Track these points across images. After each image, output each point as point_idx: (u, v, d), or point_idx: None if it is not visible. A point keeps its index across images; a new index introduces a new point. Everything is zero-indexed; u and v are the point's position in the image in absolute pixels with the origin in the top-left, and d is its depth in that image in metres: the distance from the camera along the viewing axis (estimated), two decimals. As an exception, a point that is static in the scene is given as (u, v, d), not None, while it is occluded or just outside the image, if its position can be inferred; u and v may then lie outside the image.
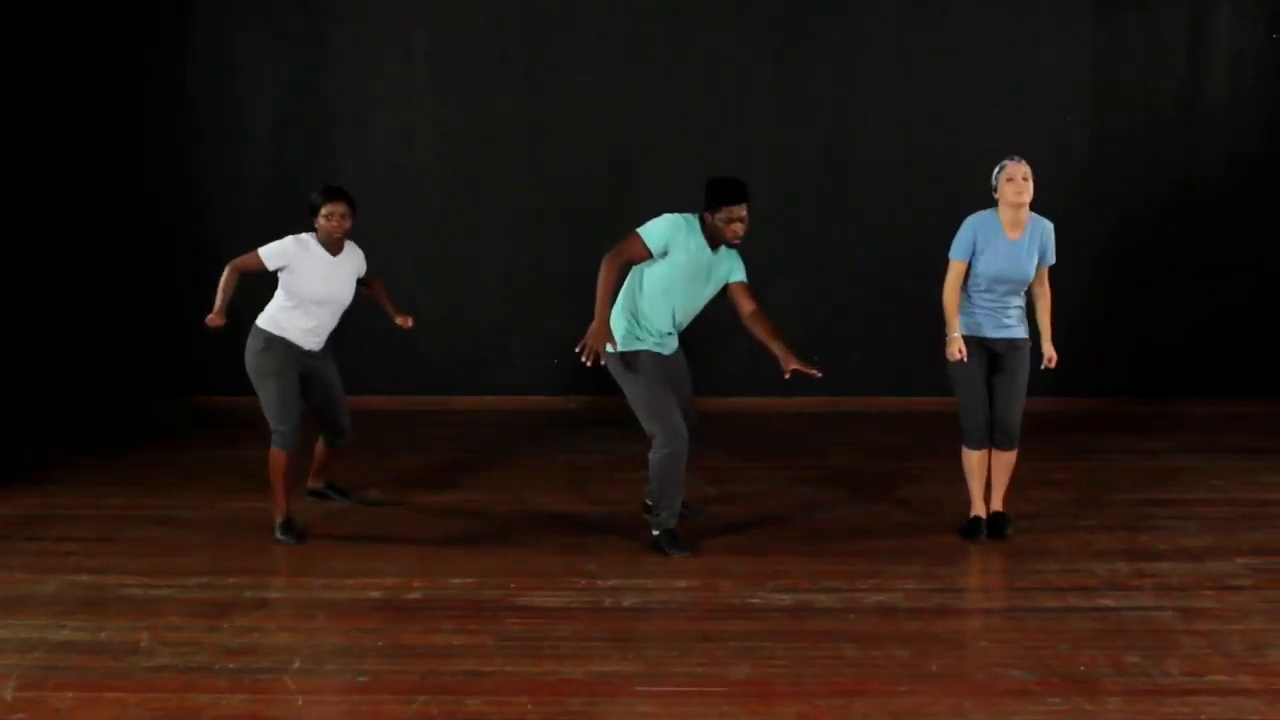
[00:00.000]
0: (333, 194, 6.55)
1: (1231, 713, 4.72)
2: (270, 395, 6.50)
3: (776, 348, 6.18)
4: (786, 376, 6.17)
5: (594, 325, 6.11)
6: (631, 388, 6.31)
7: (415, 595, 5.90)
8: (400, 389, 9.76)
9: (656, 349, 6.38)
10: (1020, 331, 6.56)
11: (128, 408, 9.59)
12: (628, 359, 6.31)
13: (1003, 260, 6.41)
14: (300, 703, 4.79)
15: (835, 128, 9.86)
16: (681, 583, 6.05)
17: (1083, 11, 9.75)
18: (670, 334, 6.44)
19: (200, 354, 8.64)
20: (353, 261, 6.71)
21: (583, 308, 9.41)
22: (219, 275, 6.37)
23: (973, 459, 6.63)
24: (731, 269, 6.37)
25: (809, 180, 9.88)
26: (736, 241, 6.24)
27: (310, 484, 7.24)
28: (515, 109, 9.81)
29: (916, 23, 9.76)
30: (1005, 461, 6.63)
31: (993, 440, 6.59)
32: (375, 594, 5.91)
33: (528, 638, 5.41)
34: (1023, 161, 6.41)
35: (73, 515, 7.08)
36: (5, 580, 6.05)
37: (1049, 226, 6.51)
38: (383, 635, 5.42)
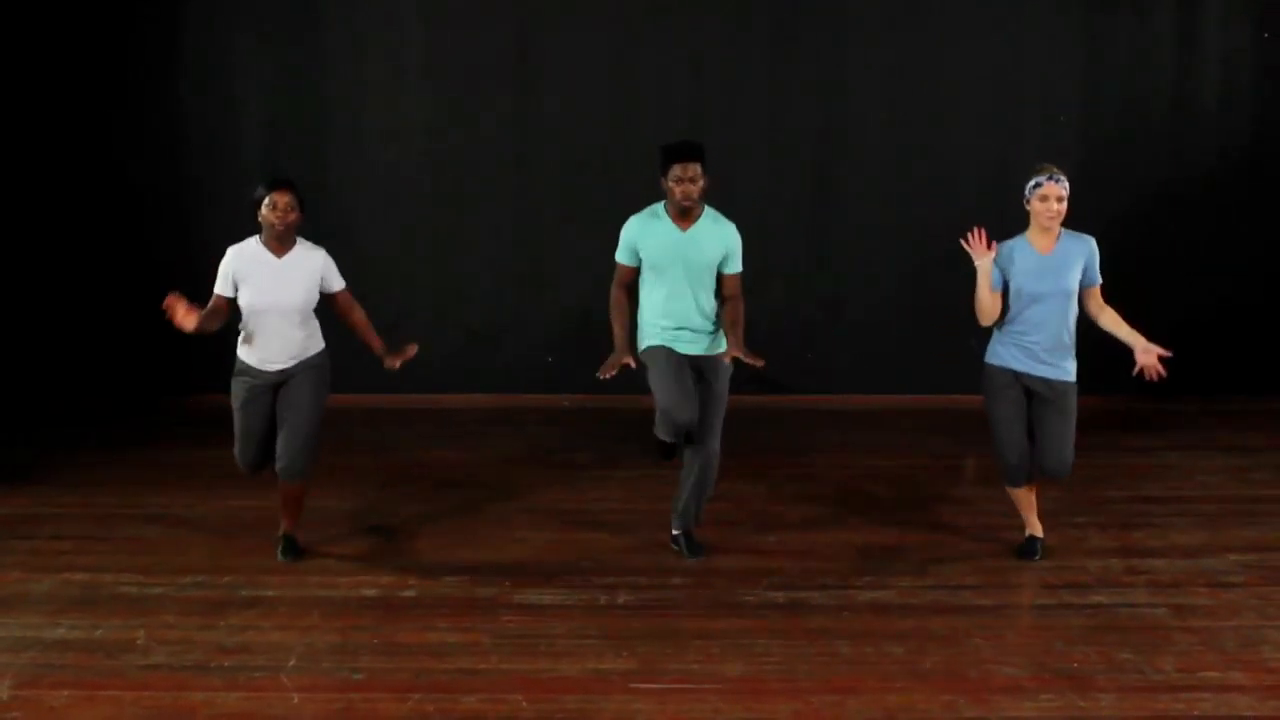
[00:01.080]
0: (275, 183, 5.99)
1: (1224, 708, 4.76)
2: (236, 428, 6.17)
3: (730, 336, 6.10)
4: (727, 361, 6.12)
5: (612, 355, 6.06)
6: (649, 376, 6.18)
7: (410, 593, 5.93)
8: (393, 388, 9.77)
9: (673, 345, 6.18)
10: (1057, 373, 6.06)
11: (121, 407, 9.60)
12: (644, 355, 6.21)
13: (1030, 275, 6.02)
14: (295, 700, 4.82)
15: (825, 127, 9.88)
16: (676, 580, 6.09)
17: (1074, 11, 9.79)
18: (679, 329, 6.18)
19: (193, 353, 8.64)
20: (307, 265, 6.05)
21: (575, 305, 9.55)
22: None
23: (1017, 493, 6.34)
24: (727, 259, 6.19)
25: (800, 178, 9.91)
26: (688, 203, 6.02)
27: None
28: (505, 107, 9.82)
29: (908, 22, 9.79)
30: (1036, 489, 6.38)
31: (1042, 473, 6.23)
32: (370, 592, 5.93)
33: (523, 635, 5.44)
34: (1060, 180, 5.97)
35: (67, 514, 7.09)
36: (0, 579, 6.07)
37: (1091, 243, 6.10)
38: (378, 633, 5.45)
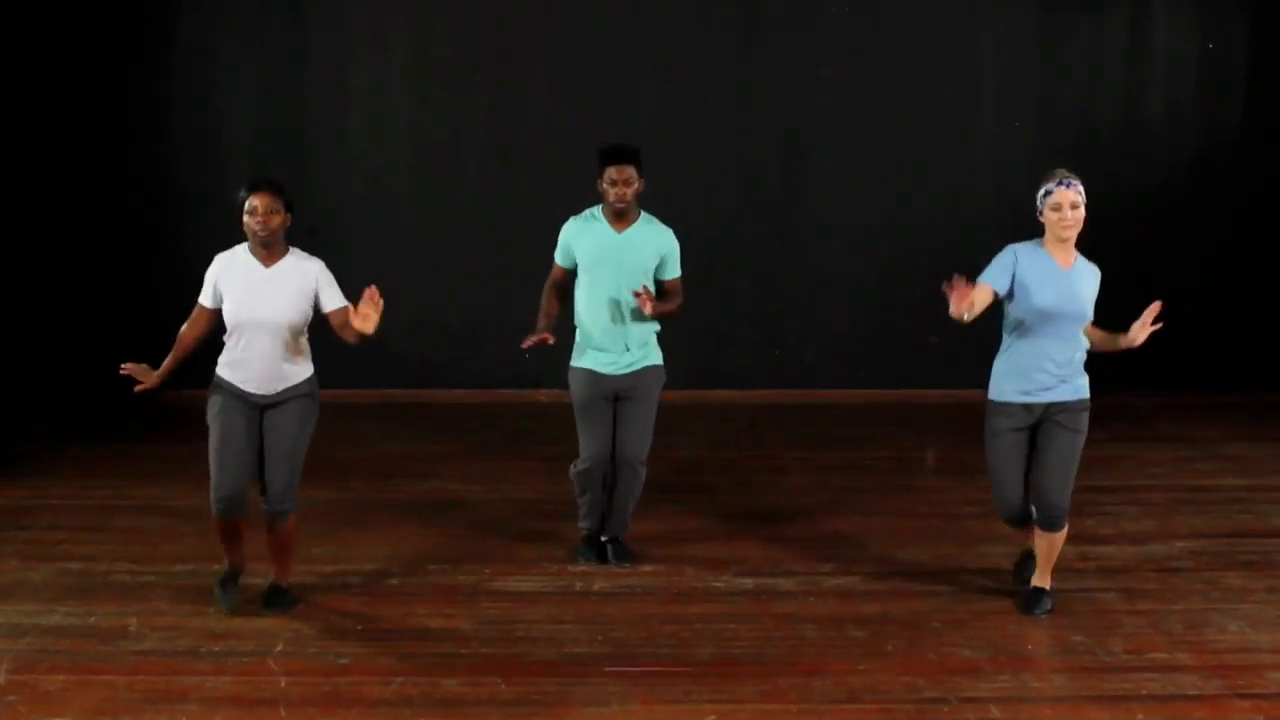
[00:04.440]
0: (254, 185, 5.39)
1: (1171, 688, 4.92)
2: (210, 448, 5.46)
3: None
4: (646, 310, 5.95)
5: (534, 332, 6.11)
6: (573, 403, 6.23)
7: (393, 581, 6.03)
8: (374, 383, 9.88)
9: (594, 367, 6.12)
10: (1067, 393, 5.49)
11: (114, 402, 9.57)
12: (570, 377, 6.22)
13: (1054, 292, 5.39)
14: (283, 684, 4.91)
15: (790, 128, 10.07)
16: (648, 568, 6.21)
17: (1028, 21, 10.02)
18: (611, 340, 6.08)
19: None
20: (297, 277, 5.42)
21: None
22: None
23: (1017, 531, 5.94)
24: (664, 263, 6.12)
25: (764, 180, 10.08)
26: (620, 205, 5.98)
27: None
28: (484, 108, 9.98)
29: (867, 29, 9.99)
30: (1047, 540, 5.68)
31: (1035, 516, 5.68)
32: (354, 579, 6.03)
33: (501, 621, 5.55)
34: (1073, 184, 5.38)
35: (62, 505, 7.16)
36: (-3, 568, 6.15)
37: (1097, 273, 5.54)
38: (362, 619, 5.55)
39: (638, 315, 6.07)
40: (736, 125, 10.01)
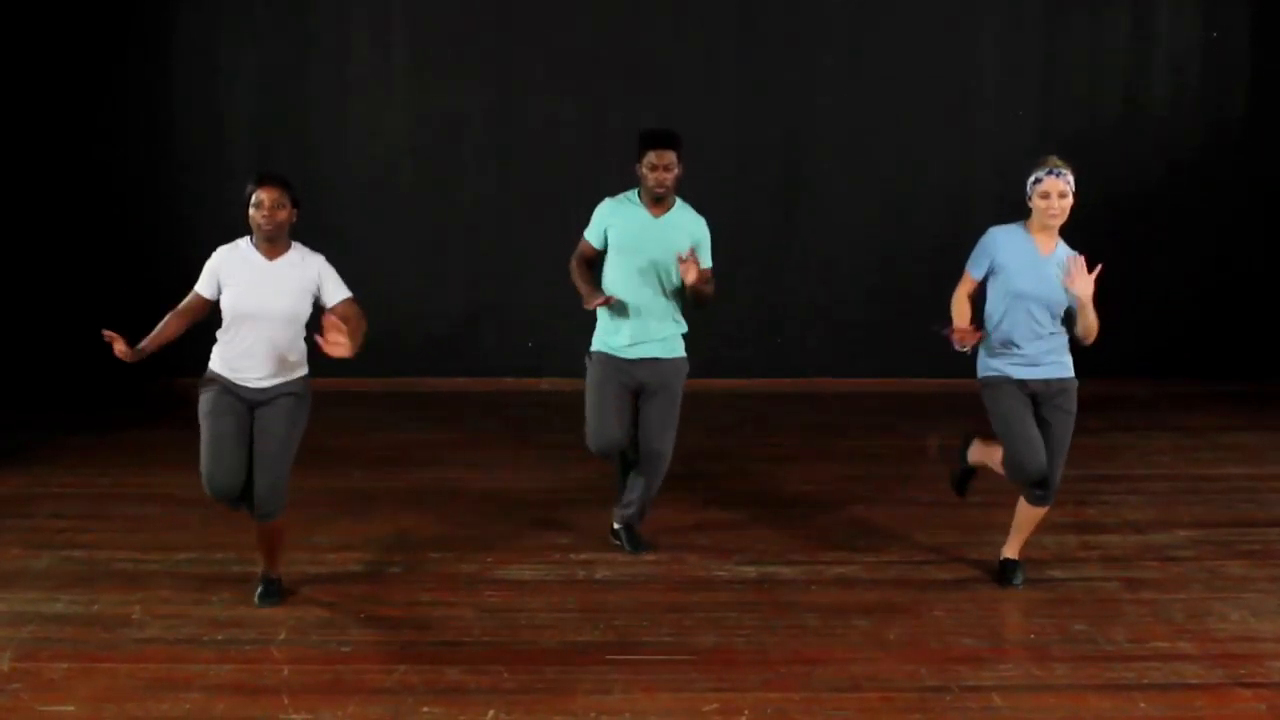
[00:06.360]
0: (261, 179, 5.34)
1: (1172, 677, 4.94)
2: (202, 442, 5.38)
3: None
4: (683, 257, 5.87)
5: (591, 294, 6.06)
6: (586, 385, 6.20)
7: (396, 569, 6.05)
8: (376, 372, 9.90)
9: (612, 351, 6.08)
10: (1056, 370, 5.64)
11: (116, 391, 9.60)
12: (589, 359, 6.18)
13: (1033, 277, 5.54)
14: (286, 672, 4.92)
15: (792, 125, 10.07)
16: (650, 556, 6.23)
17: (1031, 10, 10.00)
18: (636, 324, 6.04)
19: (186, 338, 8.76)
20: (300, 271, 5.38)
21: (553, 291, 9.66)
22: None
23: (1031, 511, 5.84)
24: (697, 253, 5.95)
25: (769, 173, 10.08)
26: (661, 190, 5.93)
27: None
28: (487, 99, 9.97)
29: (867, 22, 9.98)
30: (1031, 513, 5.85)
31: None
32: (357, 568, 6.05)
33: (504, 609, 5.56)
34: (1063, 174, 5.49)
35: (65, 493, 7.18)
36: (0, 555, 6.14)
37: (1081, 261, 5.51)
38: (364, 607, 5.56)
39: (666, 300, 6.07)
40: (738, 115, 10.00)
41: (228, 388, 5.38)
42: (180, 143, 9.93)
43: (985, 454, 5.94)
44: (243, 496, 5.43)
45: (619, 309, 6.05)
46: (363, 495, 7.22)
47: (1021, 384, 5.63)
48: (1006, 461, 5.68)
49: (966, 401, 9.07)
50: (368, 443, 8.37)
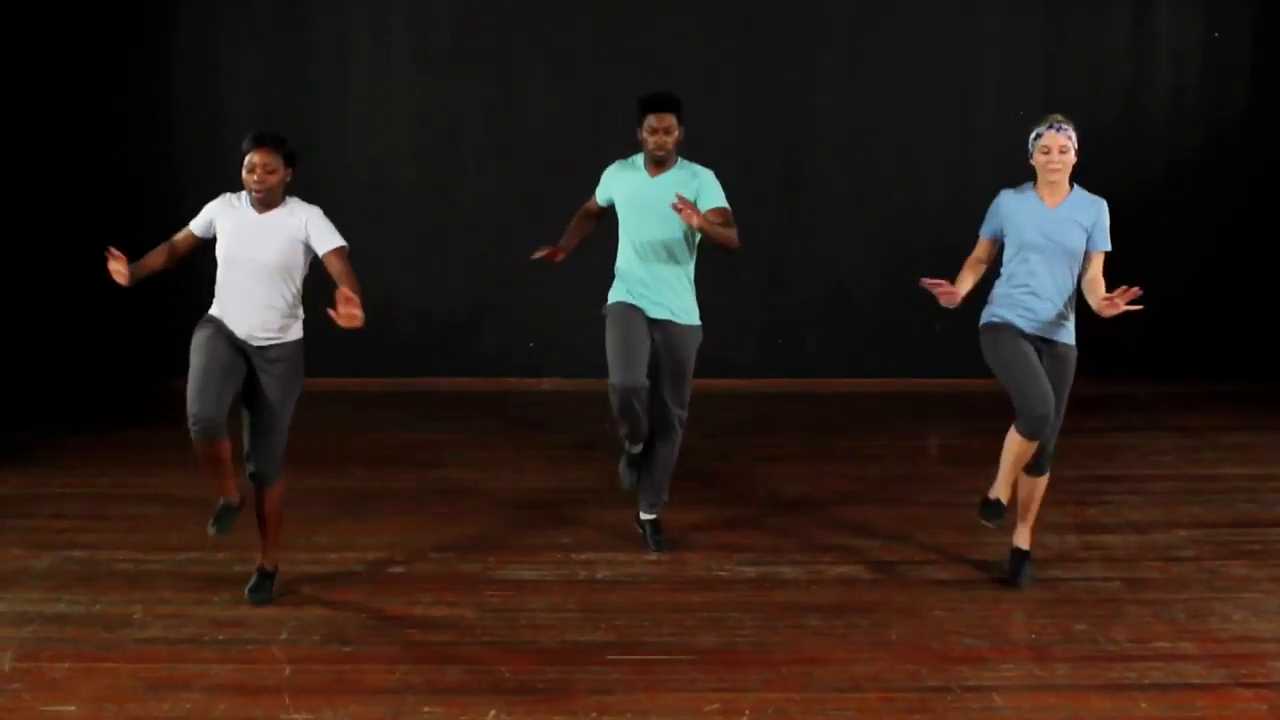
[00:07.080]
0: (256, 140, 5.33)
1: (1174, 677, 4.94)
2: (190, 371, 5.30)
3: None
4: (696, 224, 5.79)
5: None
6: (606, 332, 6.12)
7: (397, 569, 6.05)
8: (376, 372, 9.91)
9: (629, 298, 6.10)
10: (1060, 335, 5.63)
11: (116, 390, 9.67)
12: (606, 311, 6.16)
13: (1032, 227, 5.57)
14: (287, 672, 4.93)
15: (792, 124, 10.07)
16: (651, 556, 6.23)
17: (1031, 8, 9.99)
18: (646, 285, 6.05)
19: (185, 337, 8.77)
20: (290, 223, 5.37)
21: (554, 291, 9.69)
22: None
23: (1018, 444, 5.62)
24: (700, 199, 5.95)
25: (768, 173, 10.07)
26: (660, 153, 5.98)
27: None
28: (487, 99, 9.98)
29: (867, 22, 9.98)
30: (1032, 487, 5.86)
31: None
32: (358, 568, 6.05)
33: (505, 609, 5.57)
34: (1064, 128, 5.51)
35: (66, 494, 7.18)
36: (1, 556, 6.15)
37: (1101, 205, 5.65)
38: (366, 607, 5.57)
39: (674, 266, 6.08)
40: (738, 115, 9.99)
41: (221, 329, 5.37)
42: (180, 143, 9.93)
43: (1000, 476, 5.75)
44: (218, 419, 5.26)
45: (627, 272, 6.12)
46: (363, 495, 7.22)
47: (1023, 333, 5.59)
48: (1016, 407, 5.54)
49: (967, 401, 9.16)
50: (368, 443, 8.37)
